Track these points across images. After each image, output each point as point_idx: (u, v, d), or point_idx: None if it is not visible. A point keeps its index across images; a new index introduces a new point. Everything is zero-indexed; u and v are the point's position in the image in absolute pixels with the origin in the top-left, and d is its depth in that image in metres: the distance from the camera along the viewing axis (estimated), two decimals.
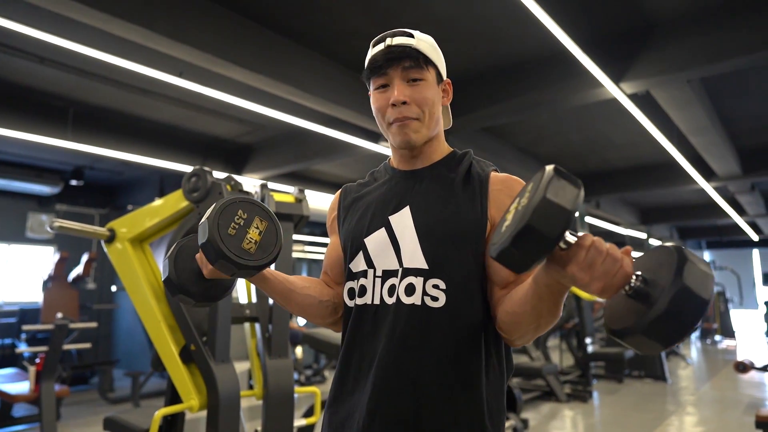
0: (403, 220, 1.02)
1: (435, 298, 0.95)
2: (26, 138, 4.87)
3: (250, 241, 0.96)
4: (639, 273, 0.70)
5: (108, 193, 8.35)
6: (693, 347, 11.70)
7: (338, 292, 1.12)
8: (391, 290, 0.99)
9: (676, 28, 3.69)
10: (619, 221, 11.13)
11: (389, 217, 1.04)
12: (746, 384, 7.02)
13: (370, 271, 1.02)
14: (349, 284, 1.06)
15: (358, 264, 1.05)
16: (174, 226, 2.35)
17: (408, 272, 0.98)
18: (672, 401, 6.06)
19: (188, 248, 1.05)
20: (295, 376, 7.12)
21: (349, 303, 1.06)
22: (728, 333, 12.51)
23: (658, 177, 7.61)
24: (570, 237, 0.69)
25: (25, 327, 4.80)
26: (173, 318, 2.21)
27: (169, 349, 2.16)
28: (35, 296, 7.53)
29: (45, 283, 6.84)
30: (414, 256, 0.98)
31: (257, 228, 0.97)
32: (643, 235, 12.43)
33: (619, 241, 10.96)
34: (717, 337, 12.62)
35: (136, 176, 7.53)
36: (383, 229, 1.03)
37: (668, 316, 0.64)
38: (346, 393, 1.01)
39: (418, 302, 0.96)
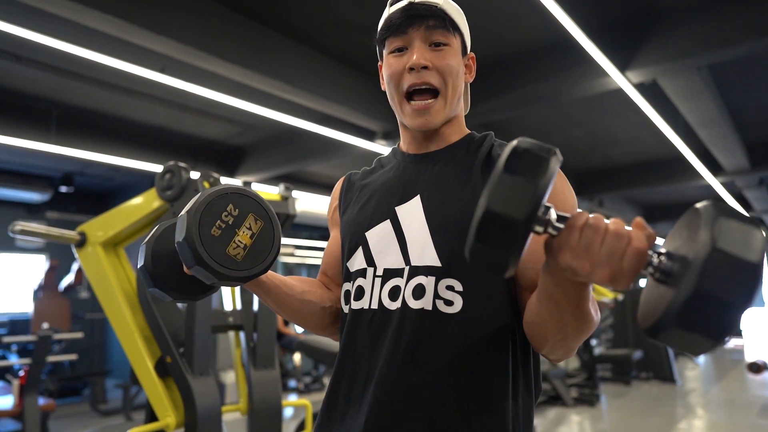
0: (412, 212, 0.85)
1: (449, 302, 0.78)
2: (8, 142, 4.70)
3: (238, 246, 0.77)
4: (662, 249, 0.54)
5: (99, 199, 8.17)
6: None
7: (339, 296, 0.95)
8: (394, 293, 0.82)
9: (685, 12, 3.52)
10: (623, 220, 10.99)
11: (396, 208, 0.87)
12: (757, 385, 6.83)
13: (370, 270, 0.86)
14: (346, 286, 0.90)
15: (357, 262, 0.88)
16: (149, 228, 2.17)
17: (417, 271, 0.81)
18: (681, 404, 5.88)
19: (170, 233, 0.86)
20: (293, 384, 6.94)
21: (345, 308, 0.89)
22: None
23: (663, 173, 7.44)
24: (555, 217, 0.55)
25: (6, 339, 4.61)
26: (148, 328, 2.02)
27: (143, 361, 1.98)
28: (26, 306, 7.34)
29: (36, 292, 6.66)
30: (424, 251, 0.81)
31: (249, 229, 0.79)
32: None
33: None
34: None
35: (127, 181, 7.36)
36: (388, 221, 0.87)
37: (704, 295, 0.46)
38: (335, 418, 0.85)
39: (429, 307, 0.78)
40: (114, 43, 3.34)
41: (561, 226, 0.56)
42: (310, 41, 3.97)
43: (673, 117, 4.94)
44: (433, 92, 0.86)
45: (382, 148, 5.34)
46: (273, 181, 6.88)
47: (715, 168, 6.76)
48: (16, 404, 4.05)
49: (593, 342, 6.70)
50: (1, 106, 4.80)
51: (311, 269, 12.36)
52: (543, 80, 4.11)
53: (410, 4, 0.86)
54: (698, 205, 0.53)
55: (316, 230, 10.17)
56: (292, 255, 10.45)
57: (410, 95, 0.87)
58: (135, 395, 5.48)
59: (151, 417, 2.02)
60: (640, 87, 4.03)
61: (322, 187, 8.04)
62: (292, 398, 6.36)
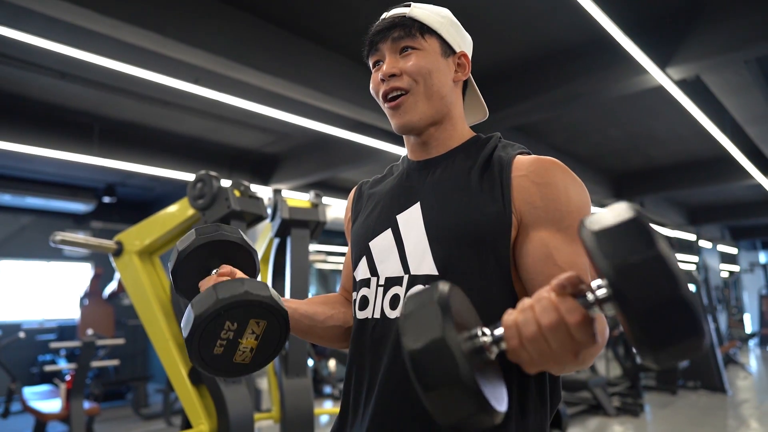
0: (411, 220, 0.85)
1: None
2: (54, 156, 4.91)
3: (244, 351, 0.75)
4: (597, 282, 0.51)
5: (141, 208, 8.44)
6: (752, 355, 10.94)
7: None
8: (395, 301, 0.82)
9: (730, 3, 3.35)
10: (666, 222, 10.58)
11: (397, 216, 0.87)
12: None
13: (373, 280, 0.87)
14: (354, 296, 0.91)
15: (361, 271, 0.89)
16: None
17: (416, 280, 0.80)
18: (733, 415, 5.58)
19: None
20: (328, 390, 6.95)
21: (353, 318, 0.91)
22: None
23: (707, 173, 7.12)
24: (489, 339, 0.55)
25: (53, 344, 4.80)
26: (182, 336, 2.05)
27: (177, 369, 2.00)
28: (73, 313, 7.63)
29: (82, 299, 6.92)
30: (423, 260, 0.81)
31: (253, 333, 0.76)
32: (692, 237, 11.76)
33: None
34: None
35: (166, 191, 7.57)
36: (389, 230, 0.87)
37: (645, 310, 0.45)
38: (345, 427, 0.86)
39: None
40: (150, 57, 3.43)
41: (501, 342, 0.54)
42: (340, 48, 3.98)
43: (718, 114, 4.72)
44: (404, 92, 0.88)
45: None
46: (306, 188, 6.94)
47: (765, 166, 6.44)
48: (64, 407, 4.19)
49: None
50: (47, 121, 5.02)
51: (339, 276, 12.42)
52: (579, 79, 3.99)
53: (381, 20, 0.91)
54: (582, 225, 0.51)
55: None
56: (324, 261, 10.51)
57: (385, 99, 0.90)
58: (175, 400, 5.60)
59: (187, 424, 2.04)
60: (682, 84, 3.86)
61: None
62: (327, 404, 6.36)
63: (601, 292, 0.50)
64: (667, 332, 0.44)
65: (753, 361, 10.10)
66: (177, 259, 0.85)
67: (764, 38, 3.22)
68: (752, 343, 12.34)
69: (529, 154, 0.85)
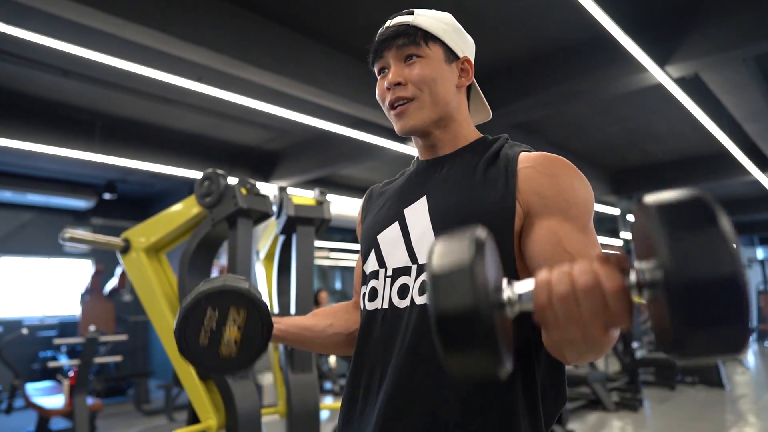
0: (418, 212, 0.88)
1: None
2: (56, 152, 4.92)
3: (229, 343, 0.80)
4: (644, 264, 0.47)
5: (141, 205, 8.45)
6: (750, 350, 11.01)
7: None
8: (403, 291, 0.85)
9: (728, 2, 3.38)
10: None
11: (404, 210, 0.90)
12: None
13: (381, 271, 0.90)
14: (363, 289, 0.94)
15: (371, 264, 0.93)
16: (189, 234, 2.22)
17: (423, 269, 0.83)
18: (731, 410, 5.62)
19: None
20: (329, 386, 6.98)
21: (363, 310, 0.93)
22: None
23: (706, 169, 7.16)
24: (516, 295, 0.51)
25: (57, 341, 4.82)
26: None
27: (185, 365, 2.03)
28: (74, 309, 7.65)
29: (82, 296, 6.93)
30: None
31: (234, 322, 0.81)
32: None
33: None
34: None
35: (166, 187, 7.58)
36: (396, 223, 0.90)
37: (694, 281, 0.41)
38: (355, 415, 0.88)
39: None
40: (153, 55, 3.45)
41: (528, 299, 0.51)
42: (342, 46, 4.00)
43: (717, 112, 4.76)
44: (408, 100, 0.90)
45: (414, 151, 5.33)
46: (307, 184, 6.96)
47: (763, 163, 6.47)
48: (67, 403, 4.21)
49: (635, 344, 6.49)
50: (49, 118, 5.03)
51: (345, 272, 12.44)
52: (579, 77, 4.02)
53: (386, 28, 0.92)
54: (646, 202, 0.47)
55: (349, 233, 10.23)
56: (327, 258, 10.53)
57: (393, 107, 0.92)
58: (176, 396, 5.63)
59: (194, 418, 2.07)
60: (681, 82, 3.89)
61: (356, 190, 8.08)
62: (328, 400, 6.40)
63: (646, 274, 0.46)
64: (713, 314, 0.41)
65: (751, 356, 10.17)
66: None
67: (762, 36, 3.25)
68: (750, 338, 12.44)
69: (533, 152, 0.88)
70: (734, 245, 0.41)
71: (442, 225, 0.83)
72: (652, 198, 0.46)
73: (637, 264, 0.49)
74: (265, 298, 2.40)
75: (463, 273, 0.47)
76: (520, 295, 0.52)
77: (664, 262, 0.42)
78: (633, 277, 0.48)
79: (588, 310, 0.49)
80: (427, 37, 0.89)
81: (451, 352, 0.48)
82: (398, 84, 0.89)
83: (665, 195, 0.46)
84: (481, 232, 0.51)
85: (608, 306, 0.49)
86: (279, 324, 0.93)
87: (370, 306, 0.90)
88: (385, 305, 0.87)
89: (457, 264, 0.48)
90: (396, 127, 0.92)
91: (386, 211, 0.94)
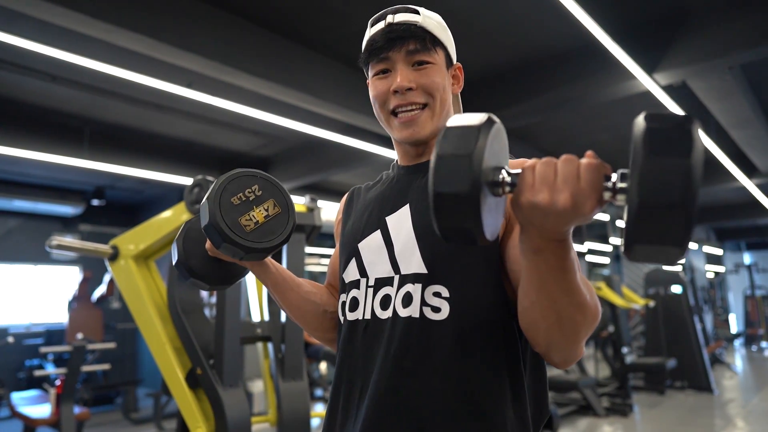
0: (400, 220, 0.86)
1: (436, 309, 0.78)
2: (44, 158, 4.87)
3: (251, 219, 0.82)
4: (622, 171, 0.55)
5: (129, 211, 8.38)
6: (737, 355, 11.10)
7: None
8: (385, 302, 0.83)
9: (715, 11, 3.44)
10: None
11: (386, 218, 0.88)
12: None
13: (363, 281, 0.87)
14: (342, 297, 0.91)
15: (351, 273, 0.90)
16: None
17: (405, 279, 0.81)
18: (720, 414, 5.67)
19: (196, 230, 0.93)
20: (320, 393, 6.94)
21: (341, 319, 0.90)
22: None
23: None
24: (509, 177, 0.59)
25: (43, 349, 4.74)
26: (179, 340, 2.06)
27: (174, 373, 2.01)
28: (61, 317, 7.55)
29: (70, 303, 6.84)
30: (412, 259, 0.81)
31: (266, 210, 0.84)
32: None
33: None
34: (763, 344, 11.97)
35: (156, 194, 7.53)
36: (378, 231, 0.88)
37: (648, 206, 0.48)
38: (334, 428, 0.86)
39: (416, 314, 0.78)
40: (143, 61, 3.43)
41: (512, 179, 0.58)
42: (332, 52, 4.01)
43: (704, 118, 4.82)
44: (421, 106, 0.87)
45: None
46: (298, 191, 6.95)
47: (749, 169, 6.56)
48: (53, 413, 4.14)
49: (624, 350, 6.53)
50: (37, 124, 4.98)
51: None
52: (568, 84, 4.06)
53: (389, 25, 0.86)
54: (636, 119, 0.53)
55: None
56: (318, 264, 10.51)
57: (395, 111, 0.88)
58: (165, 404, 5.57)
59: (183, 427, 2.05)
60: (668, 89, 3.94)
61: None
62: (319, 408, 6.36)
63: (621, 181, 0.53)
64: (657, 232, 0.48)
65: (738, 360, 10.25)
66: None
67: (747, 45, 3.31)
68: (737, 342, 12.53)
69: (513, 158, 0.86)
70: (695, 180, 0.47)
71: (424, 235, 0.82)
72: (648, 116, 0.51)
73: (618, 171, 0.55)
74: (256, 305, 2.39)
75: (472, 130, 0.57)
76: (512, 177, 0.58)
77: (631, 180, 0.49)
78: (614, 177, 0.54)
79: (562, 176, 0.55)
80: (435, 42, 0.87)
81: (442, 219, 0.56)
82: (409, 89, 0.85)
83: (659, 116, 0.51)
84: (494, 118, 0.60)
85: (580, 177, 0.54)
86: (275, 263, 0.93)
87: (351, 316, 0.87)
88: (367, 316, 0.84)
89: (470, 124, 0.57)
90: (401, 134, 0.88)
91: (367, 219, 0.92)
